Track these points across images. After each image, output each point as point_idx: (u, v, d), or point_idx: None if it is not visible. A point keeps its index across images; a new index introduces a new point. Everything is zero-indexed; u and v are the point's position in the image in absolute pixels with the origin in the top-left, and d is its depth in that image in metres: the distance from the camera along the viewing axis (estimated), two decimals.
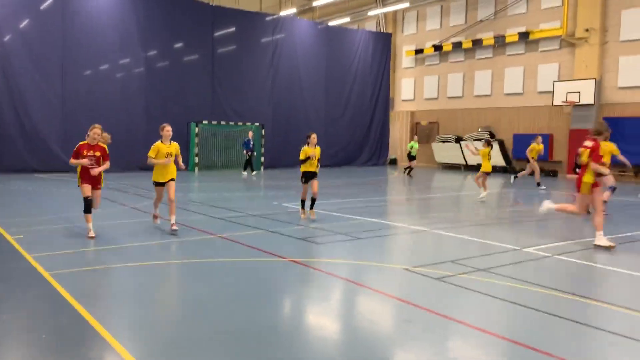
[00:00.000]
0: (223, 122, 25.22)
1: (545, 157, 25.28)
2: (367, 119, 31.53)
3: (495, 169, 26.44)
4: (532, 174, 18.76)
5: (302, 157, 10.54)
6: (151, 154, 9.05)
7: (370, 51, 31.66)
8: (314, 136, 10.62)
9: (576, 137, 23.27)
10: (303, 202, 10.94)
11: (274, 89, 27.49)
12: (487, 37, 27.60)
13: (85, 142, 8.57)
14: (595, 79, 23.19)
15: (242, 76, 26.26)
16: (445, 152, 29.41)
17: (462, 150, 28.13)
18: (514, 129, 26.59)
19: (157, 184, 9.24)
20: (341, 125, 30.27)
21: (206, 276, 6.49)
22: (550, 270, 7.28)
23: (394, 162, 32.99)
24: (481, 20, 28.05)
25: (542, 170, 25.09)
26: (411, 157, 23.46)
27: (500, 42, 27.05)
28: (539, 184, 18.42)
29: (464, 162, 28.58)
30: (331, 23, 32.84)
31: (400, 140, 32.72)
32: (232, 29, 26.06)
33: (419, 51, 31.24)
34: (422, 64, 31.75)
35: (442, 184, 21.43)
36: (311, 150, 10.55)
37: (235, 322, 4.88)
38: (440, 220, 11.16)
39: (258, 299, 5.61)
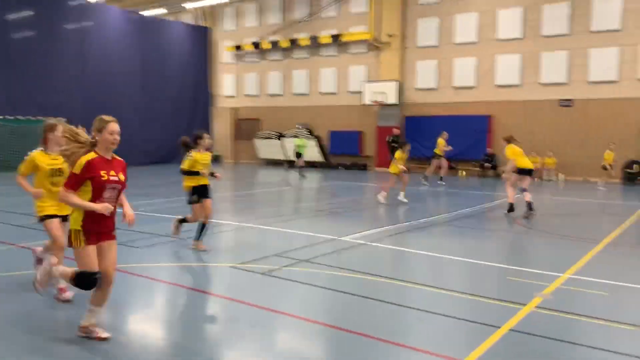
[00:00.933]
0: (22, 117, 22.43)
1: (356, 152, 27.27)
2: (187, 115, 30.69)
3: (314, 164, 27.82)
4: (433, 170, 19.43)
5: (186, 166, 7.65)
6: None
7: (189, 45, 30.87)
8: (206, 138, 7.91)
9: (383, 134, 25.58)
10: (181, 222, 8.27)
11: (84, 81, 25.21)
12: (303, 38, 28.76)
13: (95, 154, 4.32)
14: (397, 80, 25.66)
15: (46, 66, 23.62)
16: (267, 148, 30.01)
17: (282, 147, 28.99)
18: (329, 126, 28.16)
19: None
20: (160, 121, 28.97)
21: (26, 288, 5.72)
22: (366, 256, 7.88)
23: (217, 159, 32.69)
24: (297, 21, 29.14)
25: (354, 165, 27.15)
26: (299, 156, 22.44)
27: (315, 44, 28.41)
28: (441, 178, 19.39)
29: (285, 158, 29.51)
30: (145, 13, 31.25)
31: (224, 136, 32.51)
32: (30, 13, 23.28)
33: (238, 48, 31.34)
34: (243, 61, 31.93)
35: (266, 179, 21.86)
36: (202, 157, 7.77)
37: (50, 335, 4.38)
38: (264, 215, 11.37)
39: (72, 310, 5.11)
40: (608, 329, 4.91)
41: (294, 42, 29.08)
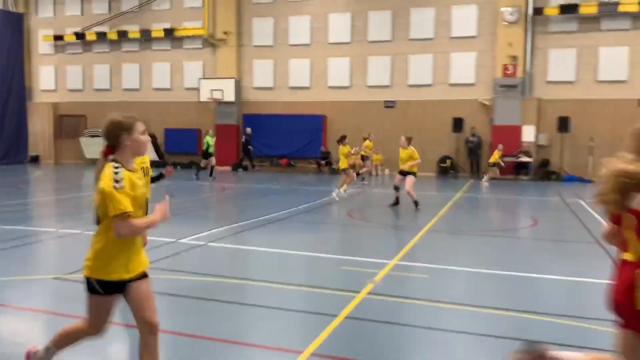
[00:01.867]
0: None
1: (194, 151, 26.64)
2: None
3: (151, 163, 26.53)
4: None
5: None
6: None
7: None
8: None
9: (221, 132, 25.32)
10: None
11: None
12: (133, 30, 27.22)
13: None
14: (234, 78, 25.58)
15: None
16: (95, 147, 27.77)
17: None
18: (164, 124, 27.06)
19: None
20: None
21: None
22: (205, 257, 7.72)
23: (35, 159, 29.44)
24: (125, 12, 27.46)
25: (193, 164, 26.45)
26: (208, 155, 19.96)
27: (146, 37, 27.05)
28: (362, 177, 19.57)
29: None
30: None
31: (42, 135, 29.37)
32: None
33: (58, 37, 28.55)
34: (64, 52, 29.16)
35: (93, 181, 20.26)
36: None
37: None
38: (92, 221, 10.52)
39: None
40: (430, 308, 5.44)
41: (123, 34, 27.37)
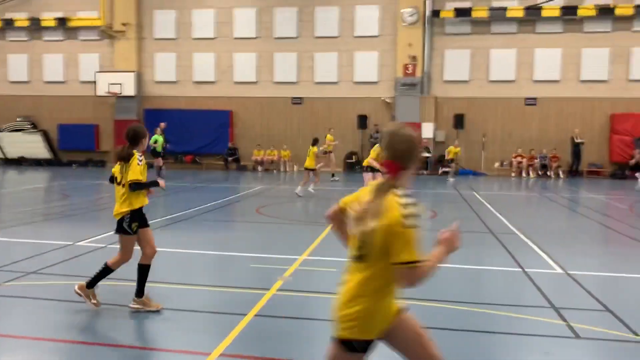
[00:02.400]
0: None
1: (92, 147, 25.22)
2: None
3: (40, 162, 24.74)
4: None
5: (136, 176, 4.98)
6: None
7: None
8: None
9: (120, 128, 24.13)
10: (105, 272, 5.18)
11: None
12: (21, 18, 25.20)
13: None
14: (135, 71, 24.48)
15: None
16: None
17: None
18: (58, 119, 25.34)
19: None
20: None
21: None
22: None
23: None
24: None
25: (90, 161, 25.03)
26: (157, 154, 18.21)
27: (35, 26, 25.14)
28: (333, 175, 19.32)
29: (2, 156, 25.50)
30: None
31: None
32: None
33: None
34: None
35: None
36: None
37: None
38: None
39: None
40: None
41: (8, 22, 25.26)
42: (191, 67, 24.88)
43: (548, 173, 22.15)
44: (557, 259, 7.36)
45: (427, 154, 22.82)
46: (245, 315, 4.96)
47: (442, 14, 22.84)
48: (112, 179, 5.21)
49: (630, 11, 21.36)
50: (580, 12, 21.73)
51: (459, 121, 22.59)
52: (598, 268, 7.25)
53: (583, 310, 5.32)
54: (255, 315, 4.98)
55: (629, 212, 12.53)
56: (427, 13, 22.84)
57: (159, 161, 18.46)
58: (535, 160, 22.29)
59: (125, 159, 5.01)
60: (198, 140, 24.42)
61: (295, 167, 23.99)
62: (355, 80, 23.86)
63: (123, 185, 5.02)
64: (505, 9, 22.33)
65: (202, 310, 5.19)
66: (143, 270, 5.14)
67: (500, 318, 5.10)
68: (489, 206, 12.91)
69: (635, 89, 21.87)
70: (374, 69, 23.70)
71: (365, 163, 13.16)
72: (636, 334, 4.63)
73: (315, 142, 15.61)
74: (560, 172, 22.07)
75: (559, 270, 6.84)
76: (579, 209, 13.30)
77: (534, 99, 22.67)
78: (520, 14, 22.20)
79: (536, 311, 5.26)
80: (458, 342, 4.49)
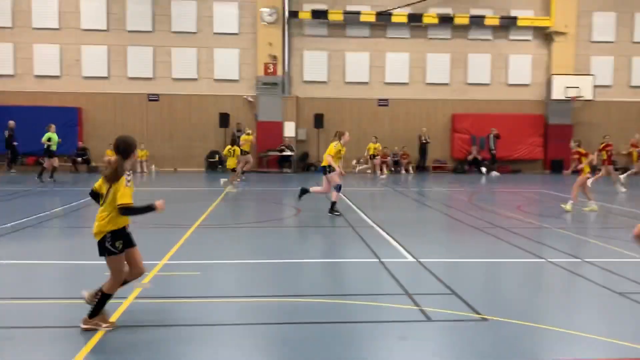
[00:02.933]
0: None
1: None
2: None
3: None
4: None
5: (128, 199, 4.56)
6: None
7: None
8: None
9: None
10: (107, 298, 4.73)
11: None
12: None
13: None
14: None
15: None
16: None
17: None
18: None
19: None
20: None
21: None
22: None
23: None
24: None
25: None
26: (51, 153, 17.49)
27: None
28: (243, 172, 17.69)
29: None
30: None
31: None
32: None
33: None
34: None
35: None
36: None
37: None
38: None
39: None
40: (202, 305, 5.40)
41: None
42: (31, 60, 22.61)
43: (399, 169, 23.75)
44: (409, 248, 7.92)
45: (289, 152, 23.19)
46: (102, 326, 4.62)
47: (300, 15, 23.35)
48: (95, 195, 4.75)
49: (466, 21, 23.66)
50: (425, 20, 23.59)
51: (318, 121, 23.29)
52: (444, 254, 7.93)
53: (433, 295, 5.78)
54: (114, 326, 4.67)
55: (468, 203, 13.88)
56: (286, 14, 23.19)
57: (55, 161, 17.76)
58: (388, 158, 23.76)
59: (114, 178, 4.51)
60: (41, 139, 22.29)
61: (154, 168, 22.95)
62: (216, 78, 23.46)
63: (102, 204, 4.59)
64: (359, 13, 23.46)
65: (49, 325, 4.74)
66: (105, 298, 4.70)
67: (358, 308, 5.35)
68: (348, 202, 13.48)
69: (473, 91, 24.29)
70: (235, 67, 23.51)
71: (324, 163, 11.65)
72: (478, 313, 5.14)
73: (233, 142, 16.38)
74: (410, 168, 23.79)
75: (411, 259, 7.36)
76: (427, 202, 14.44)
77: (386, 100, 24.14)
78: (372, 18, 23.47)
79: (392, 298, 5.61)
80: (318, 334, 4.62)
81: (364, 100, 24.10)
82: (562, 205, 12.27)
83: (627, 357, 4.21)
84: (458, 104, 24.28)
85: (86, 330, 4.52)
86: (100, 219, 4.62)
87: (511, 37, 24.16)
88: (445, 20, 23.64)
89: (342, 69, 24.03)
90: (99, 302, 4.65)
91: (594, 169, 15.38)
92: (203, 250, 8.02)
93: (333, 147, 11.51)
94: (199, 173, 22.28)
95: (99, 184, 4.68)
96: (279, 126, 23.43)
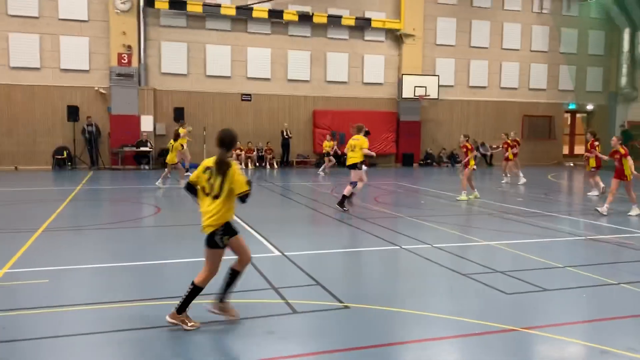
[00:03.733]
0: None
1: None
2: None
3: None
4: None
5: (245, 187, 4.75)
6: None
7: None
8: None
9: None
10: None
11: None
12: None
13: None
14: None
15: None
16: None
17: None
18: None
19: None
20: None
21: None
22: None
23: None
24: None
25: None
26: None
27: None
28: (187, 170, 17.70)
29: None
30: None
31: None
32: None
33: None
34: None
35: None
36: None
37: None
38: None
39: None
40: (53, 315, 4.94)
41: None
42: None
43: (264, 164, 23.86)
44: (275, 243, 7.99)
45: (147, 148, 22.11)
46: None
47: (157, 5, 22.30)
48: (191, 189, 4.73)
49: (324, 20, 24.39)
50: (285, 17, 23.88)
51: (179, 114, 22.48)
52: (309, 247, 8.12)
53: (298, 287, 5.89)
54: None
55: (330, 195, 14.39)
56: (141, 2, 22.01)
57: None
58: (253, 153, 23.73)
59: (224, 169, 4.54)
60: None
61: None
62: (63, 68, 21.54)
63: (216, 197, 4.58)
64: (219, 6, 23.03)
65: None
66: (235, 276, 4.83)
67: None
68: None
69: (332, 89, 25.15)
70: (85, 56, 21.77)
71: (356, 159, 11.23)
72: (341, 302, 5.35)
73: (177, 136, 15.69)
74: (275, 163, 24.01)
75: (277, 253, 7.44)
76: (292, 196, 14.68)
77: (249, 95, 24.06)
78: (232, 12, 23.19)
79: (259, 294, 5.61)
80: (185, 337, 4.48)
81: (227, 95, 23.78)
82: (458, 198, 13.30)
83: (473, 332, 4.65)
84: (319, 101, 24.99)
85: (172, 324, 4.54)
86: (212, 212, 4.59)
87: (366, 38, 25.40)
88: (305, 18, 24.14)
89: (203, 61, 23.46)
90: (189, 295, 4.62)
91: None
92: (52, 256, 7.33)
93: (366, 141, 11.37)
94: (45, 171, 20.33)
95: (196, 177, 4.67)
96: (135, 120, 22.22)
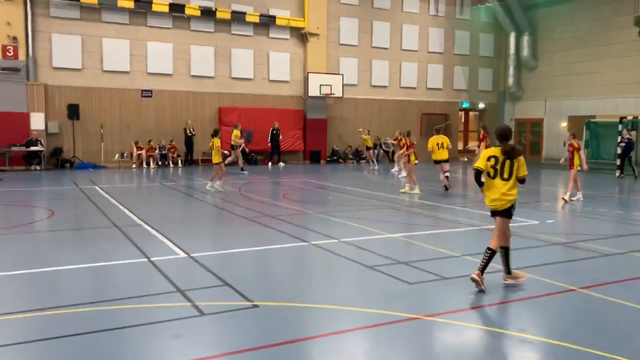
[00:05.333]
0: None
1: None
2: None
3: None
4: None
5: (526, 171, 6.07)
6: None
7: None
8: None
9: None
10: None
11: None
12: None
13: None
14: None
15: None
16: None
17: None
18: None
19: None
20: None
21: None
22: None
23: None
24: None
25: None
26: None
27: None
28: (242, 169, 18.85)
29: None
30: None
31: None
32: None
33: None
34: None
35: None
36: None
37: None
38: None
39: None
40: None
41: None
42: None
43: (167, 163, 23.08)
44: (180, 244, 7.75)
45: (38, 148, 20.59)
46: None
47: None
48: (479, 174, 5.87)
49: (228, 15, 24.02)
50: (187, 11, 23.22)
51: (73, 111, 21.17)
52: (216, 247, 7.97)
53: (206, 288, 5.76)
54: None
55: (238, 193, 14.22)
56: None
57: None
58: (155, 151, 22.88)
59: (515, 155, 5.69)
60: None
61: None
62: None
63: (506, 180, 5.72)
64: None
65: None
66: (508, 251, 5.92)
67: (129, 312, 5.05)
68: (111, 199, 12.59)
69: (237, 85, 24.84)
70: None
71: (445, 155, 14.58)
72: (250, 301, 5.30)
73: (216, 133, 15.03)
74: (179, 161, 23.31)
75: (183, 255, 7.22)
76: (196, 195, 14.33)
77: (150, 91, 23.15)
78: (130, 4, 22.18)
79: (164, 298, 5.42)
80: (86, 347, 4.23)
81: (126, 91, 22.71)
82: (401, 190, 14.27)
83: (379, 322, 4.80)
84: (224, 98, 24.59)
85: (509, 286, 5.81)
86: (506, 190, 5.72)
87: (271, 35, 25.34)
88: (208, 13, 23.63)
89: (99, 56, 22.23)
90: (507, 257, 5.85)
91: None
92: None
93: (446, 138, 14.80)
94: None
95: (483, 165, 5.79)
96: (24, 117, 20.61)
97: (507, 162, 5.69)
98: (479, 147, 15.45)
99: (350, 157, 27.14)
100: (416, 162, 14.84)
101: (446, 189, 14.54)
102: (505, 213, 5.83)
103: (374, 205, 12.34)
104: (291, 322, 4.87)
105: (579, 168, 12.67)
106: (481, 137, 15.54)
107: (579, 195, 12.96)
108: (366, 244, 7.97)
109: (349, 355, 4.18)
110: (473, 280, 5.65)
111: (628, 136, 19.65)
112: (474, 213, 11.38)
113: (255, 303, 5.24)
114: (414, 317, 4.90)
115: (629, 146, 19.58)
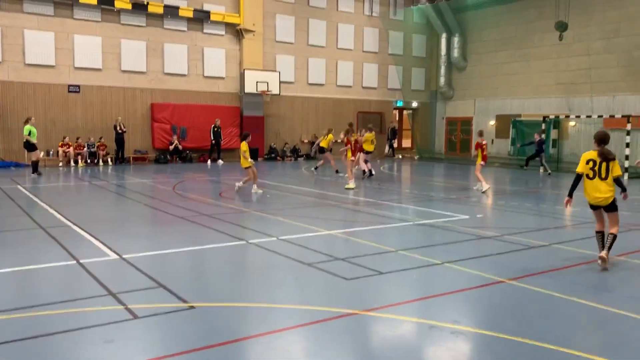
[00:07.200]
0: None
1: None
2: None
3: None
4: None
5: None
6: None
7: None
8: None
9: None
10: None
11: None
12: None
13: None
14: None
15: None
16: None
17: None
18: None
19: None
20: None
21: None
22: None
23: None
24: None
25: None
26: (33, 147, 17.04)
27: None
28: (337, 171, 18.57)
29: None
30: None
31: None
32: None
33: None
34: None
35: None
36: None
37: None
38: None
39: None
40: None
41: None
42: None
43: (97, 161, 22.17)
44: (112, 246, 7.46)
45: None
46: None
47: None
48: (579, 177, 6.76)
49: (160, 10, 23.33)
50: (117, 4, 22.34)
51: None
52: (150, 248, 7.71)
53: (139, 291, 5.57)
54: None
55: (172, 193, 13.86)
56: None
57: (37, 154, 17.76)
58: (84, 149, 21.91)
59: (610, 158, 6.52)
60: None
61: None
62: None
63: (603, 179, 6.54)
64: None
65: None
66: (615, 238, 6.68)
67: (56, 318, 4.80)
68: (37, 200, 11.94)
69: (170, 81, 24.19)
70: None
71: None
72: (186, 302, 5.17)
73: (245, 137, 13.81)
74: (109, 160, 22.44)
75: (114, 256, 6.95)
76: (128, 194, 13.85)
77: (77, 86, 22.13)
78: None
79: (94, 301, 5.19)
80: (10, 356, 3.98)
81: (51, 86, 21.59)
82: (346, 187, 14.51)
83: (318, 319, 4.82)
84: (157, 93, 23.88)
85: (603, 260, 6.50)
86: (607, 190, 6.54)
87: (205, 31, 24.86)
88: (139, 7, 22.85)
89: (21, 48, 21.00)
90: (613, 241, 6.61)
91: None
92: None
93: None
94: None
95: (582, 168, 6.63)
96: None
97: (604, 164, 6.50)
98: (476, 152, 15.00)
99: (289, 154, 27.11)
100: (353, 158, 15.77)
101: (371, 173, 17.20)
102: (612, 207, 6.64)
103: (313, 203, 12.38)
104: (228, 322, 4.79)
105: (482, 162, 14.56)
106: (476, 144, 15.06)
107: (479, 186, 14.44)
108: (305, 242, 7.98)
109: (288, 354, 4.16)
110: (601, 258, 6.50)
111: (539, 139, 21.06)
112: (408, 209, 11.66)
113: (191, 304, 5.12)
114: (352, 313, 4.96)
115: (539, 147, 20.91)
